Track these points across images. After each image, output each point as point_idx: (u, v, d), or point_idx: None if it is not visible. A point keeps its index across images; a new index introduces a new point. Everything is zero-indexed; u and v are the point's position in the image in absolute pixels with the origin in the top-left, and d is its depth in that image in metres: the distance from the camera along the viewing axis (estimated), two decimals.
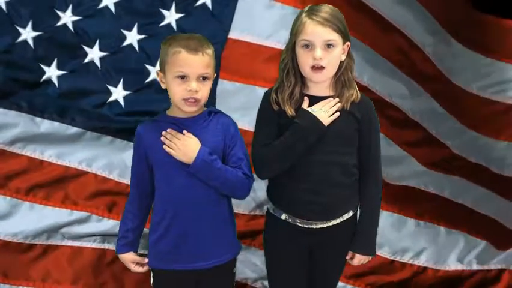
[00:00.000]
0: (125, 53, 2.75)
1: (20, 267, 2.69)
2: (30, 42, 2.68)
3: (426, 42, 2.92)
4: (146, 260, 2.14)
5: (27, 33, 2.68)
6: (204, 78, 1.99)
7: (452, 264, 3.01)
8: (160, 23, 2.74)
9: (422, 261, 2.99)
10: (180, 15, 2.73)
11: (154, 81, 2.71)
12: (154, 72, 2.73)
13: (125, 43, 2.74)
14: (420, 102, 2.97)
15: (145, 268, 2.16)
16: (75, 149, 2.75)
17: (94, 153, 2.75)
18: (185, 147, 1.99)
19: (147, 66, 2.74)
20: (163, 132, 2.02)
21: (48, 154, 2.75)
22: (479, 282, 2.97)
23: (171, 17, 2.73)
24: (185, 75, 1.97)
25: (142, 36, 2.74)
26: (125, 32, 2.73)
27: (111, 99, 2.75)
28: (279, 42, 2.71)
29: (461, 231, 3.05)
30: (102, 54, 2.72)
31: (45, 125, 2.73)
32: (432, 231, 3.04)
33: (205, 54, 1.98)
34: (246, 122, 2.51)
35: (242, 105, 2.68)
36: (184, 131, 2.02)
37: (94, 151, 2.75)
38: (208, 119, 2.07)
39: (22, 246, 2.68)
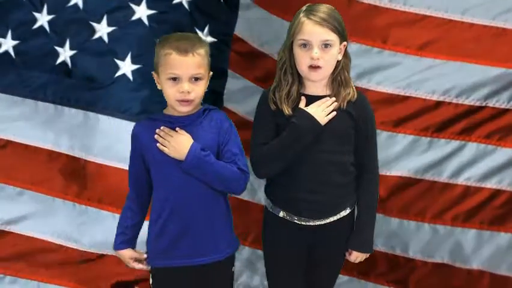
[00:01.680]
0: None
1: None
2: (47, 27, 2.71)
3: None
4: (145, 255, 2.15)
5: (43, 18, 2.70)
6: (197, 79, 1.99)
7: None
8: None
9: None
10: None
11: None
12: None
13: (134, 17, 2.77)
14: None
15: (144, 265, 2.17)
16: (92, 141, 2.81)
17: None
18: (177, 144, 2.00)
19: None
20: (157, 130, 2.03)
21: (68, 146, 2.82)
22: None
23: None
24: (177, 76, 1.97)
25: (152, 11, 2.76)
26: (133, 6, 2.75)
27: (119, 73, 2.79)
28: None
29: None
30: (110, 29, 2.76)
31: (61, 112, 2.78)
32: None
33: (196, 54, 1.98)
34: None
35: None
36: (177, 128, 2.03)
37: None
38: (202, 116, 2.08)
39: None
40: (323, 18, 2.01)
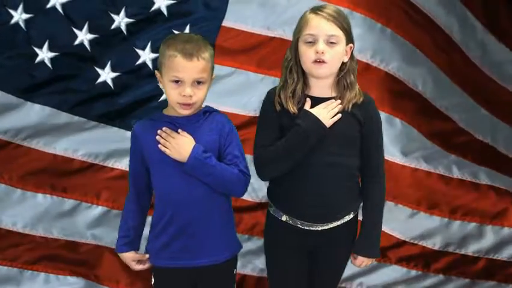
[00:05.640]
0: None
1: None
2: (22, 24, 2.65)
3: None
4: (147, 256, 2.15)
5: (19, 16, 2.64)
6: (199, 83, 2.00)
7: None
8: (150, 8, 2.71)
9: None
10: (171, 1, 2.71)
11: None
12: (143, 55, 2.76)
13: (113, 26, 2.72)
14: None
15: (147, 265, 2.17)
16: (62, 136, 2.78)
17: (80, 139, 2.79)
18: (179, 145, 2.00)
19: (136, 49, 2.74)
20: (159, 131, 2.04)
21: (36, 141, 2.77)
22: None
23: (160, 2, 2.70)
24: (180, 79, 1.98)
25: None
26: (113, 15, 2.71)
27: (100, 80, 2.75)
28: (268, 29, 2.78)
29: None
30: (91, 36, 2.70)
31: (37, 110, 2.73)
32: None
33: (201, 58, 1.98)
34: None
35: (234, 88, 2.74)
36: (179, 130, 2.03)
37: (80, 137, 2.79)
38: (203, 118, 2.08)
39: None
40: (329, 14, 2.01)
